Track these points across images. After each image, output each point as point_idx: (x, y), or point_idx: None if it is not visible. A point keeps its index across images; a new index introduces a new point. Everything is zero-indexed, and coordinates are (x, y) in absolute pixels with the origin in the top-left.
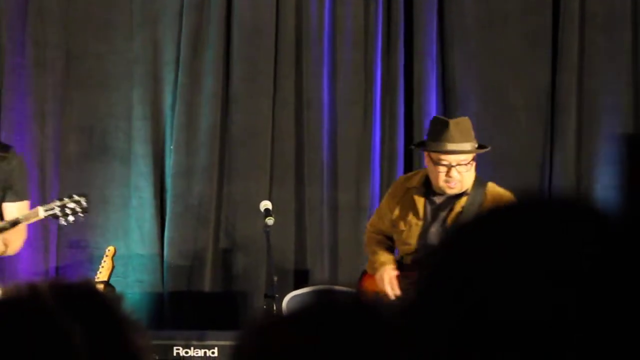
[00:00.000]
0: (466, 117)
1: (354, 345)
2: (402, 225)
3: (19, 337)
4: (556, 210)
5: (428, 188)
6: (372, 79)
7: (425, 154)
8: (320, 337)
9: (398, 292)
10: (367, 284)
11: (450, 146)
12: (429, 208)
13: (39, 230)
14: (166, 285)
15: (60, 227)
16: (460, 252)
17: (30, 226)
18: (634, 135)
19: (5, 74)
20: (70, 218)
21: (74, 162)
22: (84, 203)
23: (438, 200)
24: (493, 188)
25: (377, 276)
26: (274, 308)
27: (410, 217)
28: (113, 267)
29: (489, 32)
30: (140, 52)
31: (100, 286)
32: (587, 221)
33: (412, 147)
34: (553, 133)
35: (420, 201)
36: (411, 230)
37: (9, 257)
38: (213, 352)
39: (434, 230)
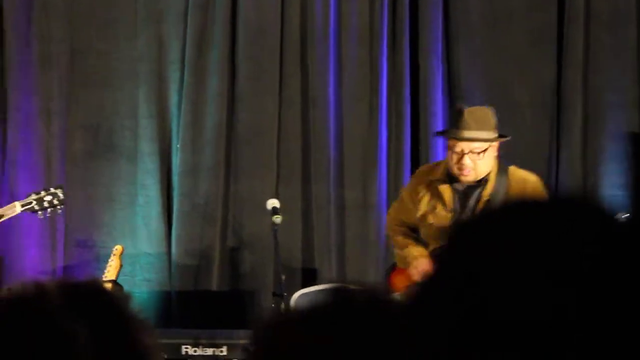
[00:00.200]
0: (487, 107)
1: (365, 345)
2: (430, 219)
3: (23, 336)
4: (560, 209)
5: (451, 177)
6: (377, 76)
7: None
8: (330, 337)
9: None
10: (398, 279)
11: (463, 133)
12: (455, 197)
13: (46, 229)
14: (173, 284)
15: (67, 225)
16: (462, 250)
17: (36, 225)
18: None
19: (11, 71)
20: (48, 211)
21: (79, 160)
22: (60, 195)
23: (462, 188)
24: (515, 172)
25: (412, 270)
26: (283, 306)
27: (439, 209)
28: (121, 266)
29: (494, 29)
30: (145, 50)
31: (108, 285)
32: (590, 220)
33: (435, 134)
34: (559, 130)
35: (446, 191)
36: (441, 223)
37: (16, 255)
38: (222, 351)
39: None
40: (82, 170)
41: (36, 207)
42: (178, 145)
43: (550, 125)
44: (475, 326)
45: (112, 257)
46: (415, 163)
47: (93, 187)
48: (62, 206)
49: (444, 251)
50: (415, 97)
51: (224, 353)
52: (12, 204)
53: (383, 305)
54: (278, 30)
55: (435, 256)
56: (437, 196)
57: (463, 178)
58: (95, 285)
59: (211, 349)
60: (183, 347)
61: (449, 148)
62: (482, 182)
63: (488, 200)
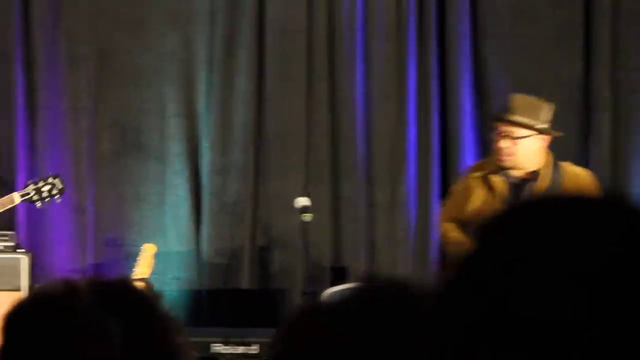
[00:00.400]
0: (544, 101)
1: (385, 341)
2: (483, 211)
3: (54, 334)
4: (587, 207)
5: (504, 169)
6: (405, 74)
7: None
8: (352, 334)
9: None
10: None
11: (502, 115)
12: (508, 189)
13: (76, 228)
14: (203, 283)
15: (97, 224)
16: (487, 244)
17: (67, 223)
18: None
19: (39, 71)
20: (46, 201)
21: (108, 159)
22: (59, 184)
23: (515, 180)
24: (568, 168)
25: None
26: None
27: (492, 201)
28: (153, 265)
29: (521, 25)
30: (173, 50)
31: (139, 284)
32: (619, 219)
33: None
34: (588, 128)
35: (499, 182)
36: None
37: (47, 254)
38: (252, 349)
39: None
40: (111, 169)
41: (35, 197)
42: (207, 144)
43: (579, 123)
44: (489, 323)
45: (141, 256)
46: (444, 161)
47: (122, 187)
48: (61, 195)
49: (470, 244)
50: (443, 94)
51: (255, 351)
52: (10, 195)
53: (411, 301)
54: (305, 29)
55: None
56: (490, 188)
57: (502, 163)
58: (126, 284)
59: (241, 347)
60: (213, 345)
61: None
62: (534, 176)
63: None
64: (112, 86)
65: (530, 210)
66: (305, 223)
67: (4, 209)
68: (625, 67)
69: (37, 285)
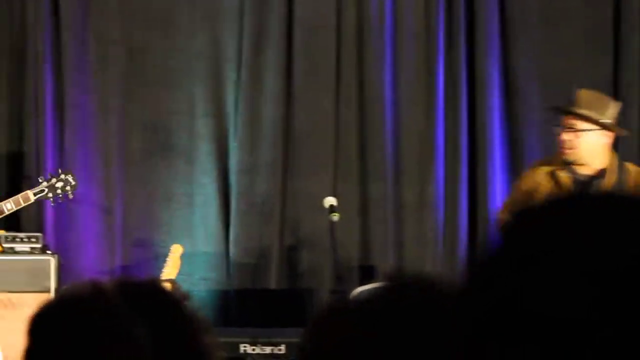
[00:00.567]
0: (612, 98)
1: (411, 339)
2: None
3: (82, 336)
4: (610, 207)
5: (569, 164)
6: (434, 73)
7: None
8: (379, 332)
9: None
10: None
11: (567, 107)
12: (575, 185)
13: (104, 228)
14: (232, 283)
15: (125, 224)
16: (508, 240)
17: (95, 224)
18: None
19: (68, 70)
20: (60, 197)
21: (137, 159)
22: (72, 181)
23: (582, 177)
24: (632, 167)
25: None
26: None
27: None
28: (180, 265)
29: (550, 27)
30: (202, 49)
31: (167, 284)
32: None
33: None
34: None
35: (565, 178)
36: None
37: (75, 255)
38: (280, 349)
39: None
40: (140, 169)
41: (50, 195)
42: (235, 144)
43: None
44: (498, 318)
45: (169, 256)
46: (472, 161)
47: (151, 186)
48: (74, 191)
49: (495, 239)
50: (472, 95)
51: (283, 351)
52: (24, 193)
53: (438, 299)
54: (334, 28)
55: None
56: (556, 183)
57: (564, 157)
58: (154, 285)
59: (269, 348)
60: (241, 345)
61: None
62: (601, 174)
63: None
64: (141, 86)
65: (560, 208)
66: (333, 223)
67: (19, 207)
68: None
69: (64, 287)
